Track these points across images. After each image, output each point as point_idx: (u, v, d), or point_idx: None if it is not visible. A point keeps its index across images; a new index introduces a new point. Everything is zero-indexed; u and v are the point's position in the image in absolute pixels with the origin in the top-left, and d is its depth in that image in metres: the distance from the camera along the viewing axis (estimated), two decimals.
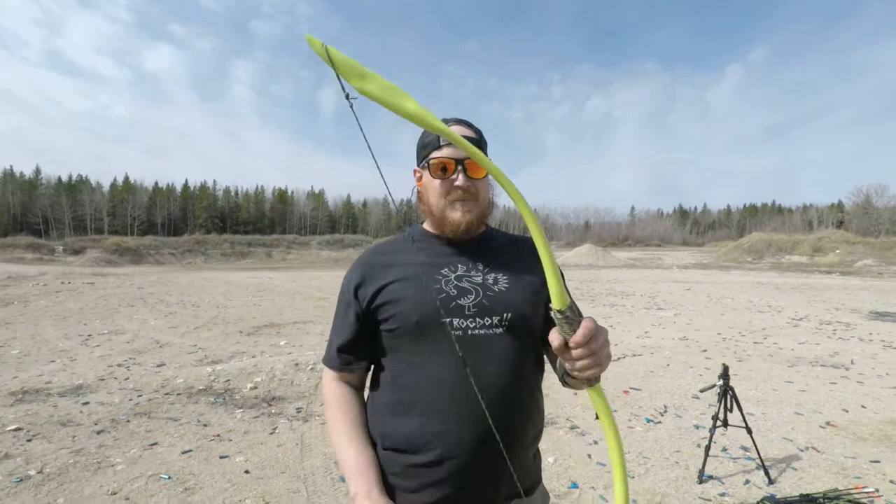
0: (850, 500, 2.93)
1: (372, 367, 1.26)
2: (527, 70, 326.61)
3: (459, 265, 1.18)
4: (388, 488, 1.11)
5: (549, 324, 1.04)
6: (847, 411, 4.79)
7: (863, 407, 4.91)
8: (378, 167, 1.03)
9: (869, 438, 4.13)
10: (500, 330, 1.12)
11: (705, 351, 7.46)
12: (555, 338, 0.90)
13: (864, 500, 3.02)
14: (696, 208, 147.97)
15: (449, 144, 1.15)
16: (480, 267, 1.19)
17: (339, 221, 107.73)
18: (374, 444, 1.17)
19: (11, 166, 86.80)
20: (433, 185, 1.18)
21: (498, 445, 1.05)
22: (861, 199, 73.97)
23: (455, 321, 1.10)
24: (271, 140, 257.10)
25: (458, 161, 1.14)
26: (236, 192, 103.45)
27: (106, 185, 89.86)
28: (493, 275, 1.18)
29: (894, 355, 7.24)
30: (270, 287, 17.64)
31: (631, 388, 5.51)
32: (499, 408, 1.08)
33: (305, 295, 14.99)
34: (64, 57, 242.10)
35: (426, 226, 1.27)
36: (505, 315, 1.12)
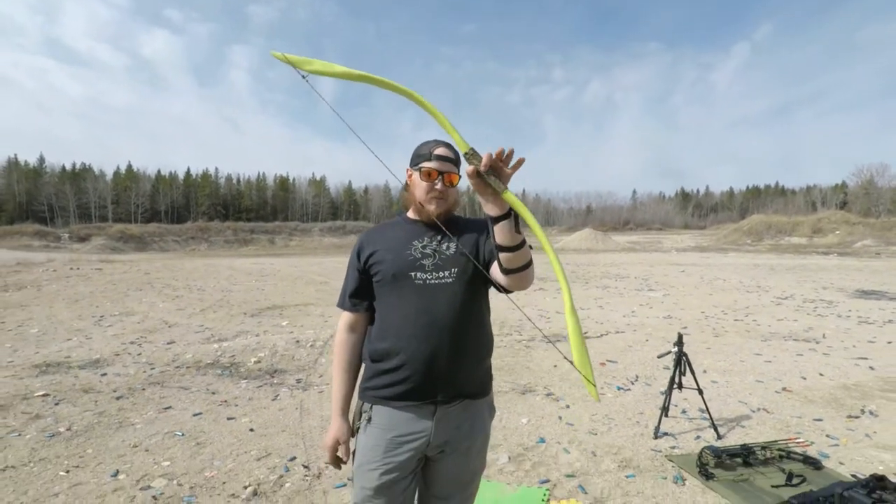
0: (780, 449, 3.33)
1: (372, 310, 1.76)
2: (526, 53, 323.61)
3: (426, 238, 1.66)
4: (371, 389, 1.63)
5: (487, 276, 1.57)
6: (805, 378, 5.19)
7: (820, 375, 5.31)
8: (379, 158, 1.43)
9: (818, 401, 4.53)
10: (450, 280, 1.59)
11: (686, 328, 7.85)
12: (470, 170, 1.29)
13: (795, 448, 3.41)
14: (698, 191, 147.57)
15: (437, 159, 1.60)
16: (439, 239, 1.66)
17: (341, 208, 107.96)
18: (358, 368, 1.74)
19: (16, 154, 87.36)
20: (420, 184, 1.64)
21: (446, 359, 1.55)
22: (863, 179, 73.71)
23: (418, 275, 1.60)
24: (270, 126, 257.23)
25: (441, 172, 1.61)
26: (238, 180, 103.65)
27: (109, 174, 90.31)
28: (446, 243, 1.65)
29: (866, 330, 7.62)
30: (273, 272, 18.09)
31: (608, 361, 5.91)
32: (447, 333, 1.55)
33: (307, 279, 15.42)
34: (61, 43, 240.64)
35: (409, 213, 1.75)
36: (453, 270, 1.60)
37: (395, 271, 1.59)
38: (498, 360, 5.80)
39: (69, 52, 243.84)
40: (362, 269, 1.68)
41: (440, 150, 1.62)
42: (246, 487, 3.00)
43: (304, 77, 1.38)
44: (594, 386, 1.28)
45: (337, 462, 1.69)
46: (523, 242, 1.37)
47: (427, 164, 1.62)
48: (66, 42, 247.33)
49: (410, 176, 1.69)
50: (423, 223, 1.69)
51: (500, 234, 1.34)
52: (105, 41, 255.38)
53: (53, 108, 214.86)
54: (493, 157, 1.25)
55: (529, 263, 1.43)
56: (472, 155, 1.27)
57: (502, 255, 1.39)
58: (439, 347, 1.54)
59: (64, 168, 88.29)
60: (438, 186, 1.61)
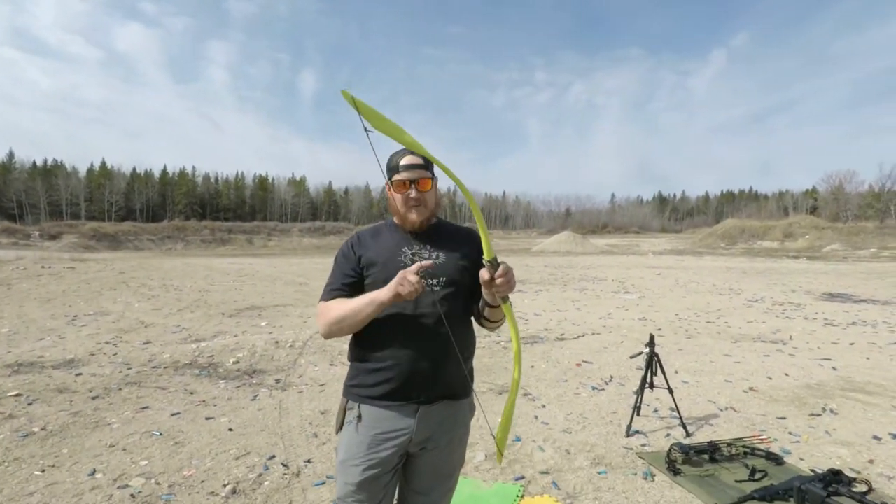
0: (745, 445, 3.47)
1: None
2: (510, 55, 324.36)
3: (415, 245, 1.72)
4: (357, 388, 1.67)
5: (475, 284, 1.64)
6: (771, 378, 5.38)
7: (786, 375, 5.50)
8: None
9: (782, 400, 4.71)
10: (438, 288, 1.66)
11: (660, 329, 8.03)
12: (484, 273, 1.49)
13: (758, 445, 3.56)
14: (675, 195, 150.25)
15: (406, 169, 1.66)
16: (428, 247, 1.73)
17: (321, 209, 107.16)
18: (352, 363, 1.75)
19: None
20: (397, 196, 1.70)
21: (430, 362, 1.62)
22: (832, 185, 75.73)
23: None
24: (249, 125, 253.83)
25: (412, 181, 1.68)
26: (216, 179, 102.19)
27: (82, 170, 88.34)
28: (435, 252, 1.72)
29: (831, 332, 7.89)
30: (251, 273, 17.94)
31: (584, 362, 6.04)
32: (432, 337, 1.62)
33: (286, 280, 15.34)
34: (29, 34, 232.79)
35: (395, 220, 1.80)
36: (441, 278, 1.67)
37: (386, 276, 1.61)
38: (476, 361, 5.81)
39: (38, 44, 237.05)
40: (356, 261, 1.71)
41: (406, 160, 1.67)
42: (225, 486, 3.02)
43: (367, 131, 1.39)
44: (501, 454, 1.71)
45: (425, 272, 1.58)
46: (503, 318, 1.67)
47: (398, 177, 1.68)
48: (35, 33, 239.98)
49: (389, 189, 1.74)
50: (410, 230, 1.75)
51: (490, 312, 1.66)
52: (77, 33, 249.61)
53: (22, 101, 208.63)
54: (508, 273, 1.49)
55: (503, 320, 1.70)
56: (493, 263, 1.48)
57: (486, 312, 1.67)
58: (424, 350, 1.61)
59: (35, 164, 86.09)
60: (413, 195, 1.67)
